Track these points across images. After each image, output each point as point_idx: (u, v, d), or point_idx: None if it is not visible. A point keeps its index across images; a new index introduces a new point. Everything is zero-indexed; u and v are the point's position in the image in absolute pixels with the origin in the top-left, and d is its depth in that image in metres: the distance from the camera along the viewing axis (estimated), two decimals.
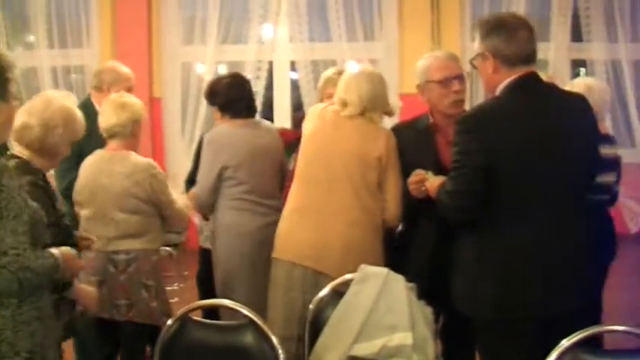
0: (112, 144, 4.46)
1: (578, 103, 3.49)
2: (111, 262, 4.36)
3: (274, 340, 3.24)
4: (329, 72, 4.94)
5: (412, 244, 4.19)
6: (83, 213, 4.43)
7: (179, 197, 4.72)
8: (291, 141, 4.85)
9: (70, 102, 3.84)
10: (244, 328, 3.35)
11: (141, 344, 4.47)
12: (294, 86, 9.05)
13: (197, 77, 8.72)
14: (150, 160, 4.48)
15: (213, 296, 4.67)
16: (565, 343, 2.99)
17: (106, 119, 4.47)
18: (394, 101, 4.49)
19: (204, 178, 4.75)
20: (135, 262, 4.35)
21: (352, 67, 4.55)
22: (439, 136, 4.14)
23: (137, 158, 4.41)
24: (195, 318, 3.46)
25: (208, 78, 8.36)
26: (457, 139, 3.36)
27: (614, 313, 5.12)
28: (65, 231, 3.64)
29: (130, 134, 4.42)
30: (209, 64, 8.67)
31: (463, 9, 8.78)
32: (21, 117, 3.55)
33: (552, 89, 3.52)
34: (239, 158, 4.70)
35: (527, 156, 3.25)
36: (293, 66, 8.93)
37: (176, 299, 5.84)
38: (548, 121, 3.32)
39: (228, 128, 4.81)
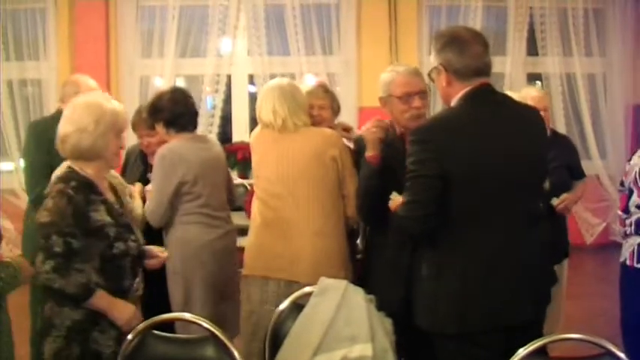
0: None
1: (530, 114, 3.54)
2: None
3: (235, 353, 3.23)
4: (308, 86, 4.97)
5: (380, 257, 4.23)
6: None
7: (135, 203, 4.78)
8: (249, 155, 4.85)
9: (97, 96, 3.70)
10: (206, 342, 3.33)
11: None
12: (253, 100, 9.03)
13: (155, 91, 8.65)
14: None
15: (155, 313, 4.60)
16: (522, 352, 3.01)
17: None
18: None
19: (160, 194, 4.63)
20: None
21: (260, 87, 4.63)
22: (407, 145, 4.21)
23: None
24: (157, 332, 3.44)
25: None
26: (411, 150, 3.35)
27: (572, 322, 5.18)
28: (70, 249, 3.36)
29: None
30: (167, 78, 8.63)
31: (420, 23, 8.87)
32: (59, 129, 3.51)
33: (505, 100, 3.52)
34: (195, 172, 4.64)
35: (481, 165, 3.25)
36: (251, 79, 8.94)
37: None
38: (502, 131, 3.34)
39: (178, 143, 4.70)
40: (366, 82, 8.60)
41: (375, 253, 4.20)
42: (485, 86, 3.38)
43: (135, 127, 5.22)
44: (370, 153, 3.96)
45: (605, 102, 9.32)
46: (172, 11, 8.60)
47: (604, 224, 8.94)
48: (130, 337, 3.36)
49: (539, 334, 3.21)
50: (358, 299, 3.51)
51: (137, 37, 8.73)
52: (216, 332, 3.29)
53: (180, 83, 9.32)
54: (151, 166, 5.25)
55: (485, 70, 3.38)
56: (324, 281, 3.61)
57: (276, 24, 8.77)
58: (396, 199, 3.60)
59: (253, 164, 4.47)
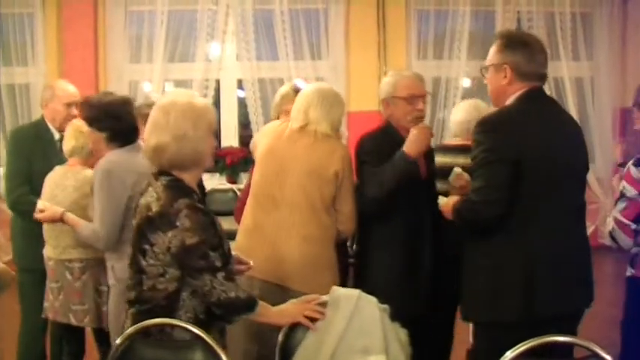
0: (71, 160, 4.73)
1: (571, 117, 3.81)
2: (67, 270, 4.58)
3: (224, 357, 3.23)
4: (285, 88, 4.91)
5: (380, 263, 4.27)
6: (45, 224, 4.60)
7: None
8: (237, 159, 4.85)
9: (186, 96, 3.43)
10: (193, 346, 3.33)
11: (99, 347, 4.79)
12: (241, 104, 9.07)
13: (144, 96, 8.64)
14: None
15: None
16: (509, 354, 3.02)
17: (66, 142, 4.75)
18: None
19: (111, 213, 4.20)
20: (88, 269, 4.55)
21: (309, 85, 4.55)
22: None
23: (88, 172, 4.55)
24: (145, 337, 3.43)
25: (155, 96, 8.32)
26: (482, 138, 3.44)
27: None
28: (225, 255, 3.30)
29: (88, 154, 4.66)
30: (156, 83, 8.65)
31: (409, 28, 8.89)
32: (149, 139, 3.29)
33: (555, 102, 3.78)
34: (142, 185, 4.34)
35: (547, 156, 3.41)
36: (240, 84, 8.94)
37: None
38: (559, 127, 3.54)
39: (121, 156, 4.30)
40: (354, 86, 8.63)
41: (378, 253, 4.27)
42: (540, 88, 3.59)
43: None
44: (413, 153, 4.06)
45: (592, 105, 9.36)
46: (161, 16, 8.60)
47: (592, 227, 8.97)
48: (118, 341, 3.36)
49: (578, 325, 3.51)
50: (371, 309, 3.38)
51: (126, 42, 8.72)
52: (204, 336, 3.29)
53: (169, 88, 9.32)
54: None
55: (544, 77, 3.62)
56: (337, 291, 3.45)
57: (265, 29, 8.78)
58: (447, 201, 3.73)
59: (258, 153, 4.36)
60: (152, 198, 3.21)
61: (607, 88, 9.23)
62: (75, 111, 5.07)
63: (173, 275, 3.19)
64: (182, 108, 3.24)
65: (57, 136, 5.13)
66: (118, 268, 4.12)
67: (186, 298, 3.22)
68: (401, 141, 4.21)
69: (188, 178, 3.29)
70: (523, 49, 3.53)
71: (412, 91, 4.24)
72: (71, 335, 4.86)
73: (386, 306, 3.40)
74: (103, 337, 4.71)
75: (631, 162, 3.94)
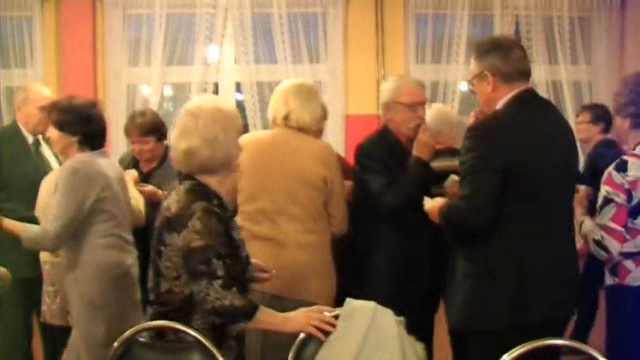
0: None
1: (564, 119, 3.85)
2: (65, 274, 4.48)
3: None
4: None
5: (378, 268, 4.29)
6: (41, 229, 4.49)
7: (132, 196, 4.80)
8: None
9: (212, 100, 3.54)
10: (192, 349, 3.33)
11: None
12: (240, 108, 9.04)
13: (142, 99, 8.67)
14: None
15: None
16: (506, 357, 3.02)
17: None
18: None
19: (71, 212, 4.14)
20: None
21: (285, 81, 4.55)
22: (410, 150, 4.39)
23: None
24: (143, 340, 3.43)
25: (154, 99, 8.37)
26: (472, 144, 3.44)
27: None
28: (238, 261, 3.38)
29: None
30: (154, 86, 8.62)
31: (407, 32, 8.87)
32: (178, 143, 3.35)
33: (549, 104, 3.81)
34: (111, 190, 4.32)
35: (540, 163, 3.42)
36: (238, 87, 8.93)
37: None
38: (552, 132, 3.55)
39: (92, 158, 4.31)
40: (352, 90, 8.62)
41: (381, 252, 4.31)
42: (530, 90, 3.61)
43: (127, 133, 5.24)
44: (425, 156, 4.20)
45: None
46: (159, 19, 8.57)
47: None
48: (116, 344, 3.37)
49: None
50: (388, 322, 3.31)
51: (124, 46, 8.69)
52: (202, 339, 3.28)
53: (168, 91, 9.33)
54: (143, 173, 5.27)
55: (528, 72, 3.64)
56: (352, 303, 3.37)
57: (263, 32, 8.76)
58: (434, 201, 3.77)
59: (242, 171, 4.26)
60: (173, 200, 3.27)
61: (605, 92, 9.18)
62: None
63: (187, 279, 3.24)
64: (211, 112, 3.30)
65: (30, 139, 5.12)
66: (80, 279, 4.05)
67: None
68: (398, 145, 4.24)
69: (215, 182, 3.34)
70: (495, 50, 3.55)
71: (414, 98, 4.30)
72: (67, 338, 4.85)
73: (402, 318, 3.34)
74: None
75: (612, 167, 3.90)
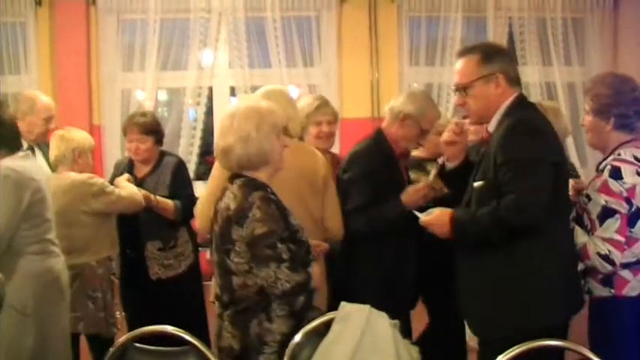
0: (59, 170, 4.91)
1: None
2: None
3: None
4: (307, 100, 5.08)
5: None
6: None
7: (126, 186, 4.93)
8: None
9: (251, 100, 3.69)
10: (187, 354, 3.35)
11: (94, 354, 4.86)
12: None
13: (137, 104, 8.66)
14: (83, 174, 4.73)
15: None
16: (501, 358, 3.04)
17: (50, 152, 4.92)
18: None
19: (9, 218, 4.01)
20: (81, 276, 4.54)
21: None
22: (402, 162, 4.52)
23: (72, 176, 4.64)
24: (138, 344, 3.44)
25: (149, 104, 8.37)
26: (521, 140, 3.41)
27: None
28: (301, 244, 3.45)
29: (72, 161, 4.68)
30: (149, 91, 8.62)
31: (401, 34, 8.89)
32: (218, 142, 3.47)
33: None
34: (42, 194, 4.19)
35: (566, 161, 3.65)
36: (233, 92, 8.93)
37: None
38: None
39: (18, 162, 4.15)
40: (347, 93, 8.64)
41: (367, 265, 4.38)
42: (522, 94, 3.68)
43: (126, 131, 5.28)
44: (410, 205, 4.13)
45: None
46: (153, 24, 8.58)
47: None
48: (111, 349, 3.38)
49: None
50: (383, 325, 3.32)
51: (118, 51, 8.69)
52: (197, 343, 3.30)
53: (162, 96, 9.34)
54: (137, 179, 5.29)
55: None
56: (346, 307, 3.40)
57: (257, 36, 8.77)
58: (432, 214, 3.69)
59: None
60: (229, 199, 3.36)
61: None
62: (53, 125, 5.09)
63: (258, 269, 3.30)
64: (246, 111, 3.43)
65: (25, 146, 5.12)
66: (11, 286, 3.84)
67: None
68: (391, 152, 4.28)
69: (261, 176, 3.43)
70: (502, 54, 3.63)
71: (430, 128, 4.42)
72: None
73: (396, 321, 3.36)
74: (98, 344, 4.74)
75: (606, 174, 3.75)
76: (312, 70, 8.83)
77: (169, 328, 3.47)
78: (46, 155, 5.24)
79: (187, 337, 3.34)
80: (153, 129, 5.38)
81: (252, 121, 3.39)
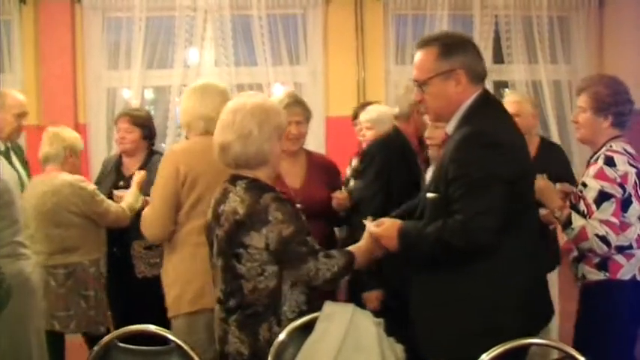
0: (47, 168, 4.88)
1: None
2: (51, 276, 4.70)
3: None
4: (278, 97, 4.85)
5: None
6: (27, 233, 4.52)
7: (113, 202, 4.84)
8: None
9: (257, 97, 3.48)
10: (171, 353, 3.34)
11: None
12: None
13: (123, 102, 8.64)
14: (76, 177, 4.70)
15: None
16: (485, 357, 3.03)
17: (41, 148, 4.89)
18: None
19: None
20: (73, 275, 4.61)
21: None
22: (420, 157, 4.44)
23: (64, 177, 4.65)
24: (121, 344, 3.43)
25: (135, 103, 8.35)
26: (477, 154, 3.11)
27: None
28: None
29: (63, 160, 4.68)
30: (135, 89, 8.59)
31: (387, 32, 8.90)
32: (217, 138, 3.37)
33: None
34: (10, 194, 4.11)
35: (532, 169, 3.35)
36: None
37: None
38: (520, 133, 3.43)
39: None
40: (333, 91, 8.63)
41: None
42: (487, 90, 3.39)
43: (117, 119, 5.30)
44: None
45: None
46: (139, 22, 8.56)
47: None
48: (95, 348, 3.37)
49: None
50: (367, 324, 3.28)
51: (104, 49, 8.67)
52: (182, 344, 3.29)
53: (148, 94, 9.32)
54: (125, 177, 5.28)
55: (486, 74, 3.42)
56: (330, 306, 3.34)
57: (243, 34, 8.76)
58: (380, 225, 3.47)
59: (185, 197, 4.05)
60: (236, 202, 3.28)
61: None
62: (24, 122, 5.06)
63: (272, 272, 3.28)
64: (250, 108, 3.32)
65: (2, 147, 5.09)
66: None
67: (287, 292, 3.32)
68: (409, 145, 4.26)
69: (263, 176, 3.35)
70: (466, 47, 3.30)
71: None
72: (52, 343, 4.82)
73: (381, 320, 3.32)
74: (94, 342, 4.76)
75: (601, 162, 3.94)
76: (298, 69, 8.82)
77: (153, 328, 3.45)
78: (17, 154, 5.21)
79: (171, 337, 3.32)
80: (142, 122, 5.39)
81: (255, 119, 3.30)
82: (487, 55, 9.06)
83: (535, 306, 3.35)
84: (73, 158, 4.98)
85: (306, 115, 4.70)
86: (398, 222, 3.42)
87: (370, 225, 3.47)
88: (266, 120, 3.32)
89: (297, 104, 4.61)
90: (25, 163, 5.24)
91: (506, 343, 3.06)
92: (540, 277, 3.55)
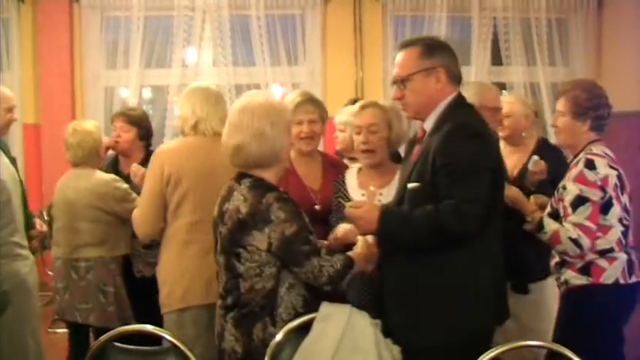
0: (81, 166, 4.93)
1: None
2: (73, 269, 4.76)
3: None
4: (292, 96, 4.66)
5: None
6: (55, 225, 4.76)
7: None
8: None
9: (261, 96, 3.48)
10: (167, 353, 3.33)
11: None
12: None
13: (121, 101, 8.64)
14: (112, 176, 4.76)
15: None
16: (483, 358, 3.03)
17: (78, 148, 4.91)
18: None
19: None
20: (93, 269, 4.77)
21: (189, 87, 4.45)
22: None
23: (100, 174, 4.75)
24: (118, 344, 3.42)
25: (133, 102, 8.34)
26: (464, 144, 3.22)
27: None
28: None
29: (96, 158, 4.99)
30: (133, 88, 8.60)
31: (385, 33, 8.91)
32: (229, 140, 3.33)
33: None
34: (7, 193, 4.11)
35: (502, 165, 3.44)
36: None
37: None
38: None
39: None
40: (331, 92, 8.62)
41: None
42: (460, 93, 3.51)
43: (114, 118, 5.31)
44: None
45: None
46: (137, 22, 8.58)
47: None
48: (92, 348, 3.36)
49: None
50: (364, 325, 3.29)
51: (102, 48, 8.69)
52: (177, 343, 3.28)
53: (146, 94, 9.31)
54: (124, 175, 5.28)
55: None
56: (327, 306, 3.33)
57: (242, 34, 8.77)
58: (347, 228, 3.57)
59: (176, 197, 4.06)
60: (239, 201, 3.28)
61: None
62: (15, 115, 5.05)
63: (270, 273, 3.27)
64: (259, 107, 3.31)
65: None
66: None
67: (284, 295, 3.31)
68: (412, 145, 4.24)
69: (269, 176, 3.35)
70: (447, 50, 3.46)
71: (498, 104, 4.53)
72: (77, 334, 4.96)
73: (378, 321, 3.32)
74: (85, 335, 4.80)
75: (581, 166, 3.95)
76: (296, 69, 8.83)
77: (149, 327, 3.45)
78: (4, 151, 5.18)
79: (168, 337, 3.32)
80: (138, 122, 5.37)
81: (267, 118, 3.29)
82: (485, 56, 9.09)
83: (500, 302, 3.41)
84: (99, 155, 5.06)
85: (321, 113, 4.56)
86: (378, 205, 3.45)
87: (347, 205, 3.45)
88: (276, 117, 3.32)
89: (309, 102, 4.48)
90: (13, 160, 5.19)
91: (501, 345, 3.08)
92: (503, 273, 3.50)
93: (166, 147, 4.23)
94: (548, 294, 4.62)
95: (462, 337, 3.23)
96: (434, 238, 3.21)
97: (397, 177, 3.79)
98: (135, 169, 4.83)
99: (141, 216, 4.11)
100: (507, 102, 5.05)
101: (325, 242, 3.65)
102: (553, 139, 8.73)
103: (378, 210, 3.33)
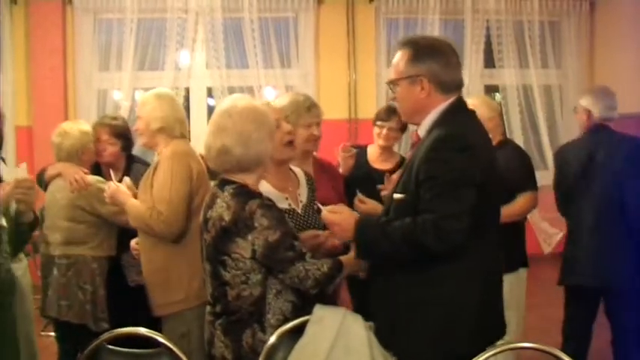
0: (67, 163, 4.91)
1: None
2: (55, 266, 4.78)
3: None
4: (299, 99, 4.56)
5: None
6: (44, 224, 4.82)
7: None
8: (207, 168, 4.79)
9: (246, 99, 3.41)
10: (160, 356, 3.32)
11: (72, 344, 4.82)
12: (211, 113, 9.00)
13: (113, 104, 8.64)
14: (96, 177, 4.84)
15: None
16: None
17: (64, 142, 4.94)
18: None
19: None
20: (74, 266, 4.77)
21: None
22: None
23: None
24: (110, 346, 3.41)
25: (125, 105, 8.33)
26: (447, 156, 3.07)
27: (531, 331, 5.27)
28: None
29: (81, 156, 4.97)
30: (125, 91, 8.59)
31: (378, 36, 8.93)
32: (214, 142, 3.29)
33: (474, 112, 3.45)
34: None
35: (492, 177, 3.21)
36: (210, 92, 8.92)
37: None
38: (490, 142, 3.39)
39: None
40: (324, 94, 8.62)
41: None
42: (461, 99, 3.30)
43: (96, 132, 5.23)
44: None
45: (561, 113, 9.44)
46: (130, 24, 8.58)
47: (561, 234, 8.98)
48: (85, 351, 3.35)
49: None
50: (357, 327, 3.23)
51: (95, 50, 8.68)
52: (170, 345, 3.28)
53: (139, 96, 9.28)
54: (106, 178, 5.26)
55: (463, 83, 3.34)
56: (320, 309, 3.29)
57: (235, 37, 8.78)
58: (337, 211, 3.34)
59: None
60: (222, 209, 3.23)
61: (575, 96, 9.27)
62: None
63: (256, 280, 3.25)
64: (245, 110, 3.29)
65: None
66: None
67: (272, 301, 3.28)
68: None
69: (251, 181, 3.32)
70: (435, 54, 3.22)
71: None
72: (62, 331, 4.95)
73: (371, 324, 3.27)
74: (76, 334, 4.75)
75: None
76: (289, 72, 8.84)
77: (143, 330, 3.44)
78: None
79: (161, 340, 3.31)
80: (123, 134, 5.33)
81: (253, 122, 3.26)
82: (478, 59, 9.12)
83: (490, 319, 3.24)
84: (87, 155, 5.05)
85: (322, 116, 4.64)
86: (356, 214, 3.36)
87: (325, 210, 3.37)
88: (262, 121, 3.30)
89: (317, 106, 4.54)
90: (2, 161, 5.17)
91: (494, 347, 3.06)
92: (498, 286, 3.35)
93: (184, 148, 4.33)
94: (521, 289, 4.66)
95: (442, 357, 3.12)
96: (410, 252, 3.09)
97: None
98: (129, 182, 4.83)
99: (176, 221, 4.08)
100: (471, 105, 5.01)
101: (329, 242, 3.59)
102: (545, 141, 8.83)
103: (354, 218, 3.26)
